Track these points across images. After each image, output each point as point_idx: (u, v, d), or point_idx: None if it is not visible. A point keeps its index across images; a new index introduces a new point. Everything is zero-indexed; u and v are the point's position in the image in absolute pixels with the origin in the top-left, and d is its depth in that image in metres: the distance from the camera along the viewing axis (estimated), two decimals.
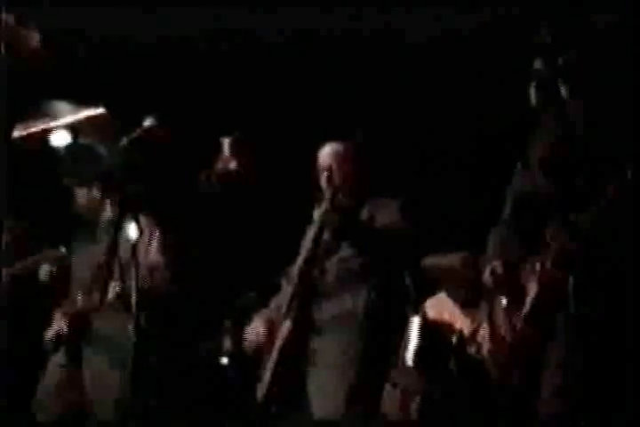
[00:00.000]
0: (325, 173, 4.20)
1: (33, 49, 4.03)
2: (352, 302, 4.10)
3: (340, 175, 4.22)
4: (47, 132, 4.92)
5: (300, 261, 4.22)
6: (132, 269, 3.69)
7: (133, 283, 3.69)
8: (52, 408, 4.68)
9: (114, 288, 4.39)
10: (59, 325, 4.70)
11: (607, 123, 3.39)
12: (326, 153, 4.32)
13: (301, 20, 5.13)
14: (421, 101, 5.36)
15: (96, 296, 4.60)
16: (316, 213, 4.26)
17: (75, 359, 4.68)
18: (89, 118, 4.97)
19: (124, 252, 4.12)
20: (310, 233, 4.22)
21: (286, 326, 4.09)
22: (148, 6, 5.04)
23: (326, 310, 4.12)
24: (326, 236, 4.14)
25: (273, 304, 4.34)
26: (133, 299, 3.69)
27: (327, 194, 4.07)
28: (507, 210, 3.79)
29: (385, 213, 4.16)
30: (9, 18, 3.81)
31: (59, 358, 4.73)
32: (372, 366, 4.06)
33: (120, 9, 5.05)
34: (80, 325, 4.65)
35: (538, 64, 3.38)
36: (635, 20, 3.49)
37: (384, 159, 4.26)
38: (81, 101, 4.60)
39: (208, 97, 5.44)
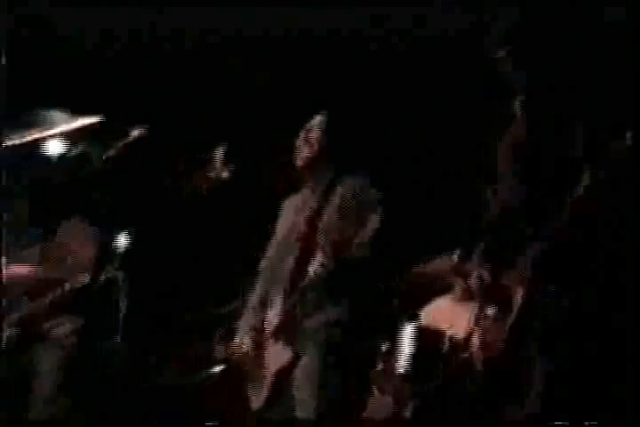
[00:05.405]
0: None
1: None
2: (334, 311, 4.11)
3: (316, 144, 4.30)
4: (41, 140, 4.92)
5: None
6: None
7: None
8: None
9: None
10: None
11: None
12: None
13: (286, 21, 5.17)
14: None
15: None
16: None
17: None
18: (84, 127, 4.97)
19: None
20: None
21: (285, 354, 4.12)
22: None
23: (312, 319, 4.14)
24: None
25: (250, 305, 4.38)
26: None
27: (327, 250, 4.10)
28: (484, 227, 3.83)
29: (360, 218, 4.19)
30: None
31: None
32: (355, 373, 4.07)
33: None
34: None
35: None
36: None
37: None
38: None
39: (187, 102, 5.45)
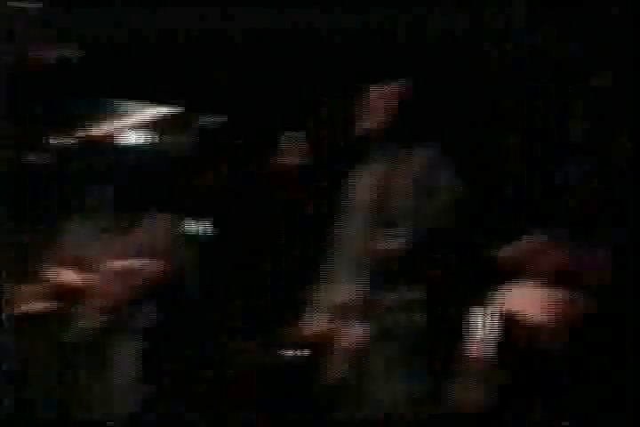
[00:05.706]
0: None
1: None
2: (408, 291, 4.08)
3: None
4: (122, 130, 5.00)
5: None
6: None
7: None
8: None
9: None
10: None
11: None
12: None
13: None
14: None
15: None
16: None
17: None
18: (161, 116, 5.03)
19: None
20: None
21: (362, 333, 4.10)
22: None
23: (387, 299, 4.11)
24: None
25: (325, 283, 4.32)
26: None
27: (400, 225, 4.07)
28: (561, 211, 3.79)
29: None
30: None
31: None
32: (433, 357, 4.03)
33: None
34: None
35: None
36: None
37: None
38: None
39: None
